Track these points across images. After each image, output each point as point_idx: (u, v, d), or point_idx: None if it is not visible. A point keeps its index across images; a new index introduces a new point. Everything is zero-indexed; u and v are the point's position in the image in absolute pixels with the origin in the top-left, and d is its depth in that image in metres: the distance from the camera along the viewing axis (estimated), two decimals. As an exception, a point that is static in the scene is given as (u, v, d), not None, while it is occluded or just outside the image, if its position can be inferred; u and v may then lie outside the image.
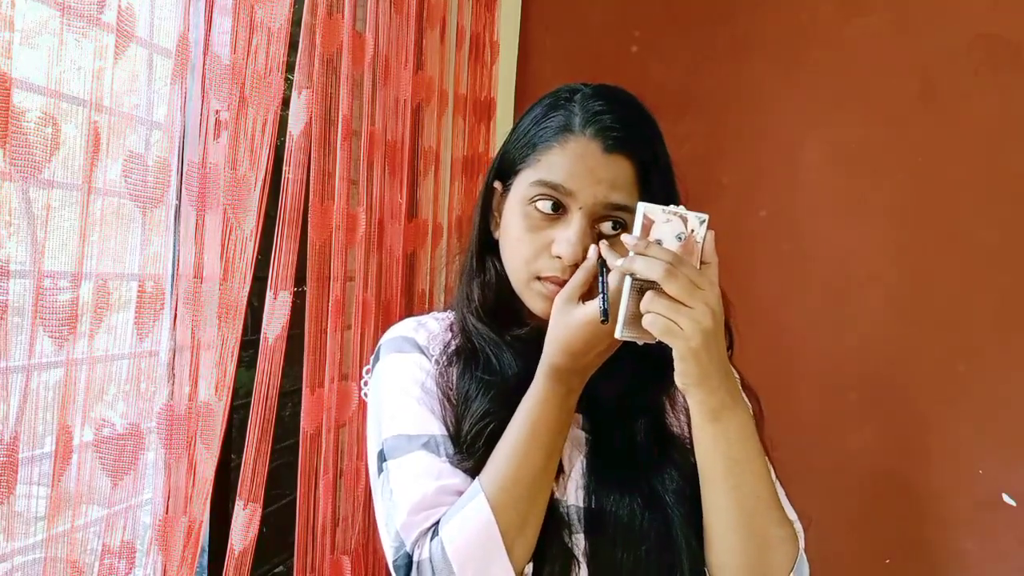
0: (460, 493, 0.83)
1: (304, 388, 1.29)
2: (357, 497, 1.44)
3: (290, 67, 1.18)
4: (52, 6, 0.78)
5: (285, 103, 1.17)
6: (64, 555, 0.82)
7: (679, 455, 0.91)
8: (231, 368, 1.05)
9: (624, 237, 0.80)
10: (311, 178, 1.26)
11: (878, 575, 2.06)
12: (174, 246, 1.01)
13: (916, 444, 2.06)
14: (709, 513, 0.85)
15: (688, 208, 0.80)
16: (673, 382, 0.95)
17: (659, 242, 0.79)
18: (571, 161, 0.86)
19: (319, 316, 1.32)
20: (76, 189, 0.82)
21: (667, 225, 0.79)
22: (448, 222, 1.88)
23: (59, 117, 0.79)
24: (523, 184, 0.88)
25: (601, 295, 0.79)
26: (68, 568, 0.83)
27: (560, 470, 0.88)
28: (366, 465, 1.44)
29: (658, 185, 0.88)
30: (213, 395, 1.03)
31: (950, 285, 2.03)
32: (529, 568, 0.82)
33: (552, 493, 0.87)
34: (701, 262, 0.80)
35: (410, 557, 0.81)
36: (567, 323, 0.81)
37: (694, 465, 0.86)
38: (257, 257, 1.09)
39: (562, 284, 0.85)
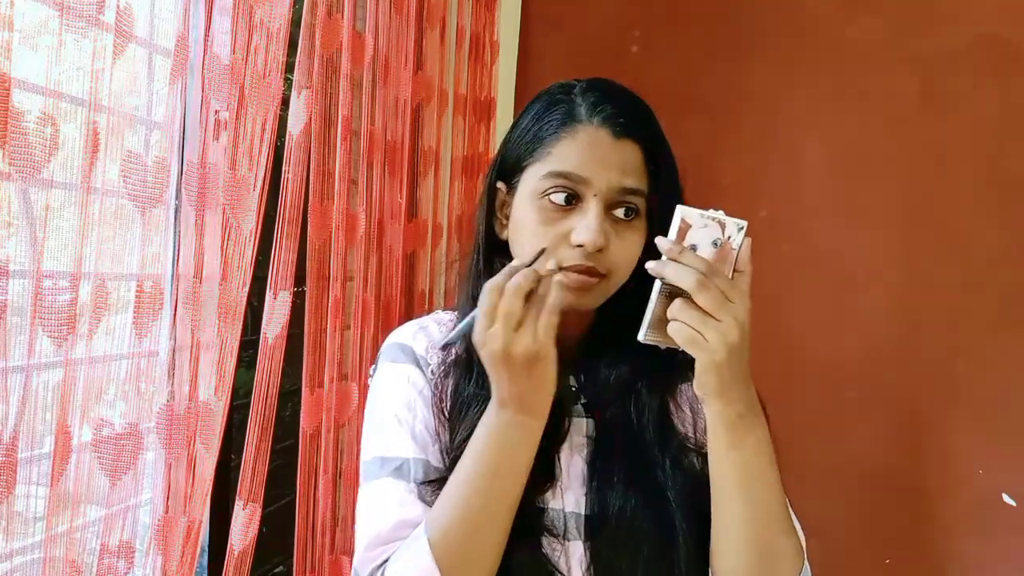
0: (416, 526, 0.82)
1: (304, 388, 1.29)
2: (357, 497, 1.43)
3: (290, 67, 1.18)
4: (51, 6, 0.78)
5: (285, 103, 1.17)
6: (63, 555, 0.82)
7: (684, 455, 0.91)
8: (230, 368, 1.06)
9: (659, 240, 0.78)
10: (311, 178, 1.26)
11: (878, 575, 2.06)
12: (174, 246, 1.02)
13: (916, 444, 2.06)
14: (719, 521, 0.84)
15: (728, 213, 0.78)
16: (677, 380, 0.95)
17: (694, 247, 0.77)
18: (582, 149, 0.86)
19: (319, 316, 1.32)
20: (75, 189, 0.82)
21: (704, 230, 0.78)
22: (448, 222, 1.88)
23: (58, 117, 0.79)
24: (533, 179, 0.88)
25: (463, 323, 0.79)
26: (67, 568, 0.83)
27: (553, 477, 0.88)
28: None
29: (665, 168, 0.89)
30: (213, 395, 1.04)
31: (950, 285, 2.03)
32: None
33: (546, 502, 0.87)
34: (735, 270, 0.78)
35: None
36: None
37: (700, 467, 0.86)
38: (257, 257, 1.09)
39: (586, 272, 0.85)
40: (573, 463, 0.90)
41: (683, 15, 2.21)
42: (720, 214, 0.78)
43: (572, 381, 0.94)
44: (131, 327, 0.90)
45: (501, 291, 0.76)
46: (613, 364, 0.90)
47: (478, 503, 0.79)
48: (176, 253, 1.01)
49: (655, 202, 0.87)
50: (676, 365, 0.95)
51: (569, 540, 0.86)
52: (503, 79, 2.17)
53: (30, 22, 0.80)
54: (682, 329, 0.76)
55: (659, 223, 0.84)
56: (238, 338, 1.06)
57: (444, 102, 1.83)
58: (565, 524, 0.87)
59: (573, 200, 0.86)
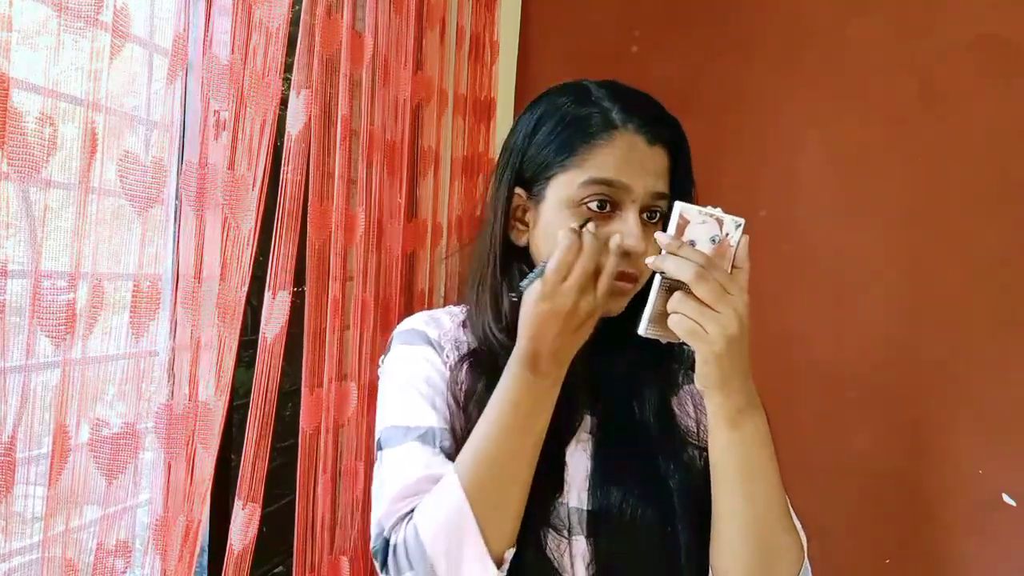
0: None
1: (303, 388, 1.29)
2: (356, 497, 1.43)
3: (289, 67, 1.18)
4: (50, 6, 0.78)
5: (284, 103, 1.17)
6: (60, 555, 0.82)
7: (686, 451, 0.92)
8: (229, 368, 1.05)
9: (658, 235, 0.80)
10: (310, 178, 1.26)
11: (878, 575, 2.06)
12: (173, 246, 1.02)
13: (916, 444, 2.06)
14: (719, 516, 0.85)
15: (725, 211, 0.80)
16: (679, 376, 0.96)
17: (692, 243, 0.79)
18: (621, 156, 0.86)
19: (318, 316, 1.32)
20: (74, 189, 0.82)
21: (702, 226, 0.79)
22: (448, 222, 1.88)
23: (57, 117, 0.79)
24: (568, 187, 0.87)
25: (531, 274, 0.80)
26: (64, 568, 0.83)
27: (562, 473, 0.89)
28: (365, 465, 1.44)
29: (685, 172, 0.91)
30: (212, 394, 1.04)
31: (950, 285, 2.03)
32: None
33: (551, 498, 0.87)
34: (733, 266, 0.80)
35: (387, 542, 0.82)
36: (525, 306, 0.81)
37: (703, 463, 0.87)
38: (257, 257, 1.09)
39: (626, 278, 0.86)
40: (577, 459, 0.90)
41: (683, 15, 2.21)
42: (718, 211, 0.80)
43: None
44: (128, 327, 0.90)
45: (579, 249, 0.78)
46: (615, 360, 0.91)
47: (507, 445, 0.80)
48: (176, 253, 1.01)
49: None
50: (678, 361, 0.95)
51: (572, 536, 0.87)
52: (503, 79, 2.17)
53: (28, 22, 0.80)
54: (682, 321, 0.77)
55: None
56: (237, 337, 1.06)
57: (444, 102, 1.83)
58: (569, 519, 0.87)
59: (607, 206, 0.86)
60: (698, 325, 0.76)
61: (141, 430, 0.93)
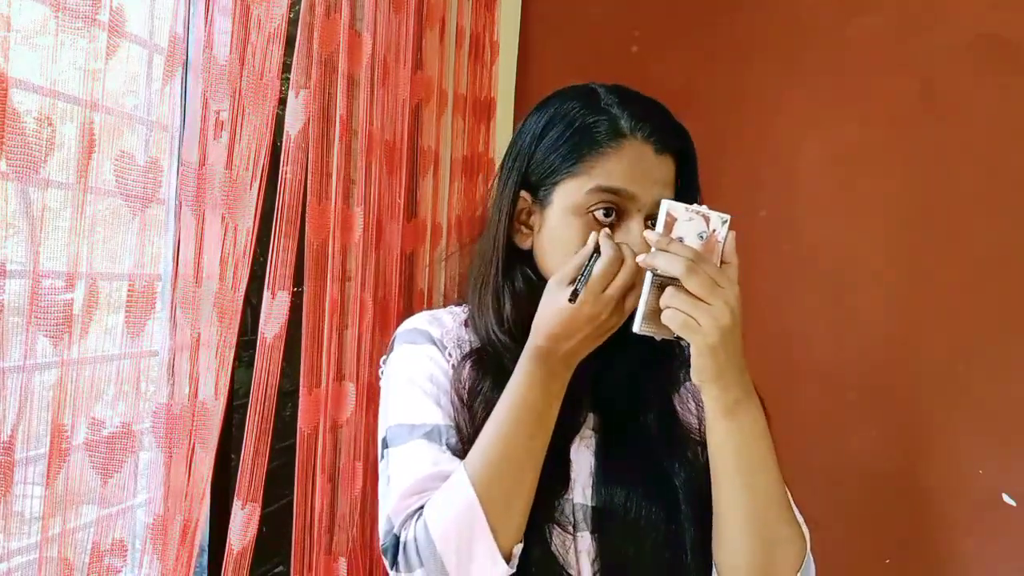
0: None
1: (301, 388, 1.29)
2: (355, 498, 1.43)
3: (287, 67, 1.17)
4: (48, 6, 0.78)
5: (282, 103, 1.17)
6: (57, 555, 0.82)
7: (690, 447, 0.92)
8: (228, 368, 1.05)
9: (647, 233, 0.81)
10: (309, 178, 1.26)
11: (878, 575, 2.06)
12: (173, 246, 1.01)
13: (916, 444, 2.05)
14: (719, 509, 0.85)
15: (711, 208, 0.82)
16: (680, 374, 0.96)
17: (681, 239, 0.80)
18: (629, 165, 0.87)
19: (317, 316, 1.32)
20: (72, 189, 0.82)
21: (689, 223, 0.81)
22: (448, 222, 1.88)
23: (55, 117, 0.79)
24: (574, 193, 0.88)
25: (581, 277, 0.81)
26: (61, 567, 0.82)
27: (567, 470, 0.89)
28: (364, 465, 1.44)
29: (691, 181, 0.92)
30: (210, 394, 1.03)
31: (950, 285, 2.02)
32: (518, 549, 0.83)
33: (557, 494, 0.87)
34: (722, 262, 0.81)
35: (397, 539, 0.82)
36: (551, 305, 0.82)
37: (705, 459, 0.87)
38: (256, 257, 1.09)
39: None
40: (581, 455, 0.91)
41: (683, 15, 2.21)
42: (704, 208, 0.81)
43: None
44: (123, 327, 0.90)
45: (621, 262, 0.81)
46: (615, 359, 0.91)
47: (517, 442, 0.82)
48: (175, 253, 1.01)
49: None
50: (678, 358, 0.96)
51: (577, 532, 0.88)
52: (503, 79, 2.17)
53: (27, 21, 0.80)
54: (675, 315, 0.78)
55: None
56: (235, 337, 1.06)
57: (443, 102, 1.83)
58: (574, 516, 0.88)
59: (613, 214, 0.87)
60: (691, 318, 0.77)
61: (137, 430, 0.93)
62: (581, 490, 0.89)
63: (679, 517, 0.88)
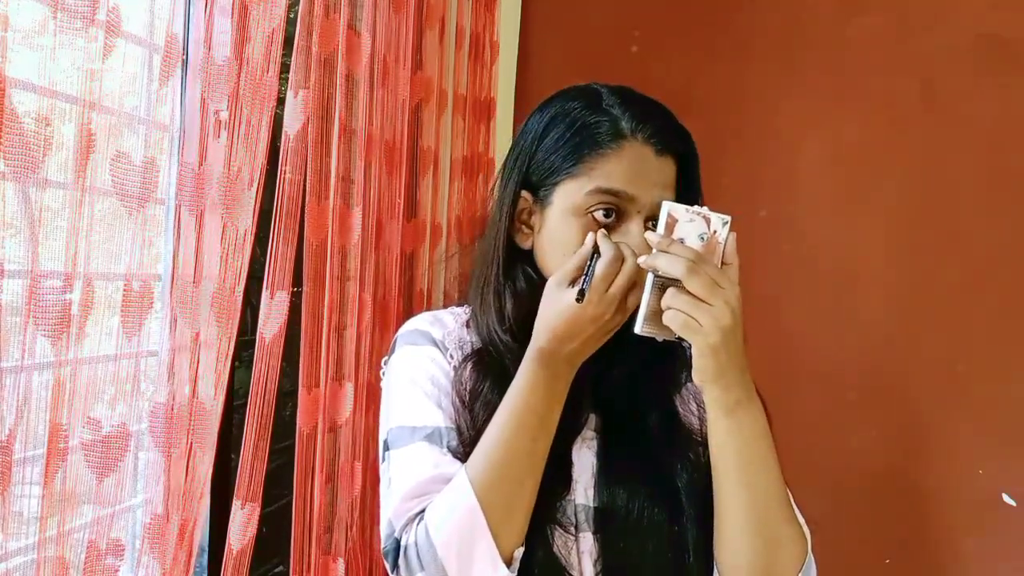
0: None
1: (300, 388, 1.29)
2: (354, 498, 1.43)
3: (286, 67, 1.17)
4: (47, 5, 0.78)
5: (281, 102, 1.17)
6: (54, 554, 0.82)
7: (691, 448, 0.92)
8: (227, 368, 1.05)
9: (648, 235, 0.82)
10: (308, 178, 1.26)
11: (878, 575, 2.06)
12: (172, 246, 1.01)
13: (916, 444, 2.05)
14: (720, 509, 0.85)
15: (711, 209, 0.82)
16: (681, 375, 0.96)
17: (682, 241, 0.80)
18: (629, 167, 0.87)
19: (316, 316, 1.32)
20: (70, 189, 0.82)
21: (690, 225, 0.81)
22: (448, 222, 1.88)
23: (54, 117, 0.79)
24: (574, 194, 0.88)
25: (585, 277, 0.81)
26: (58, 567, 0.82)
27: (569, 471, 0.89)
28: (363, 465, 1.44)
29: (692, 183, 0.92)
30: (209, 395, 1.03)
31: (950, 285, 2.02)
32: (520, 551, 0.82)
33: (559, 495, 0.87)
34: (722, 263, 0.82)
35: (398, 542, 0.82)
36: (554, 306, 0.82)
37: (707, 459, 0.87)
38: (257, 258, 1.09)
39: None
40: (583, 456, 0.91)
41: (683, 15, 2.21)
42: (705, 209, 0.82)
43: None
44: (119, 327, 0.90)
45: (622, 262, 0.82)
46: (616, 359, 0.91)
47: (519, 445, 0.82)
48: (174, 252, 1.01)
49: None
50: (679, 359, 0.96)
51: (579, 533, 0.88)
52: (503, 79, 2.17)
53: (27, 21, 0.80)
54: (676, 316, 0.78)
55: None
56: (234, 337, 1.06)
57: (443, 102, 1.83)
58: (576, 517, 0.88)
59: (612, 215, 0.87)
60: (692, 319, 0.77)
61: (136, 430, 0.93)
62: (583, 491, 0.89)
63: (681, 517, 0.88)
